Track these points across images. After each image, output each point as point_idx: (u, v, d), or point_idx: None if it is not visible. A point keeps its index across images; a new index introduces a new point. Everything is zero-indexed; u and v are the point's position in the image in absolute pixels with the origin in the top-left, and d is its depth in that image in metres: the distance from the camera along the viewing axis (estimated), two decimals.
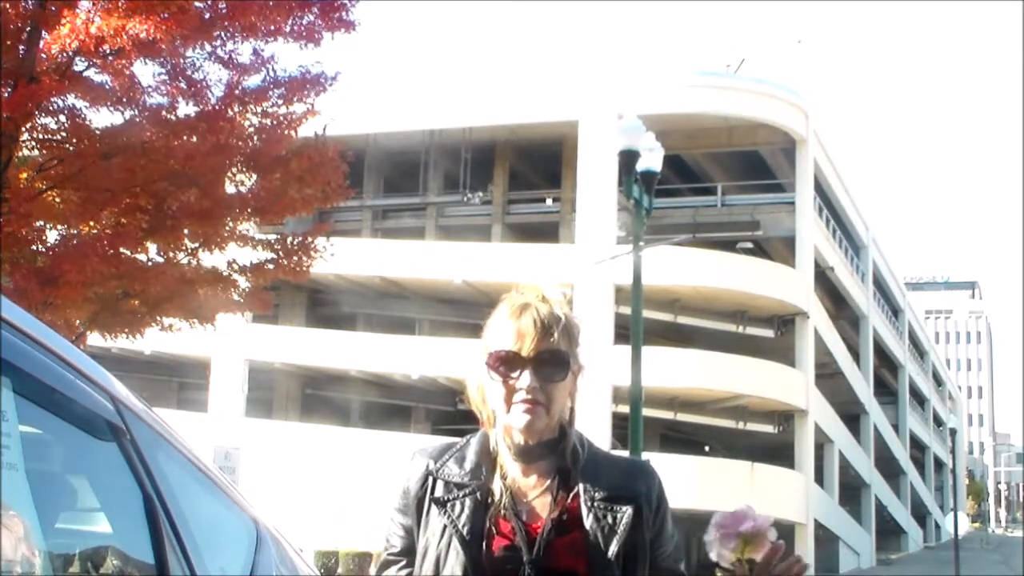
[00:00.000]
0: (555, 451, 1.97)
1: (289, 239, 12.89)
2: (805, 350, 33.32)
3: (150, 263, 12.19)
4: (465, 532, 1.90)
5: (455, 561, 1.89)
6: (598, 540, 1.89)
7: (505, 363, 1.93)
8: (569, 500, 1.93)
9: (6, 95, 10.12)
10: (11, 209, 10.43)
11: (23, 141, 11.04)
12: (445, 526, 1.93)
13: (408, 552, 2.01)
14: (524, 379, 1.91)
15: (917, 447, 60.33)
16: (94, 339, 12.91)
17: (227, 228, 12.17)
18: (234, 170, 12.12)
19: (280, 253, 12.76)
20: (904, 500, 54.57)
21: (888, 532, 51.47)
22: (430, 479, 1.99)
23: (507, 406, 1.93)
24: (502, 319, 1.96)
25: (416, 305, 36.38)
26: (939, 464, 67.17)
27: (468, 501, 1.94)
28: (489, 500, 1.94)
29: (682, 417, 33.22)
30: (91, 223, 11.73)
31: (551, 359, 1.92)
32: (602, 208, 31.97)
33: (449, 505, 1.94)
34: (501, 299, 2.01)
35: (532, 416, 1.91)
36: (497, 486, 1.95)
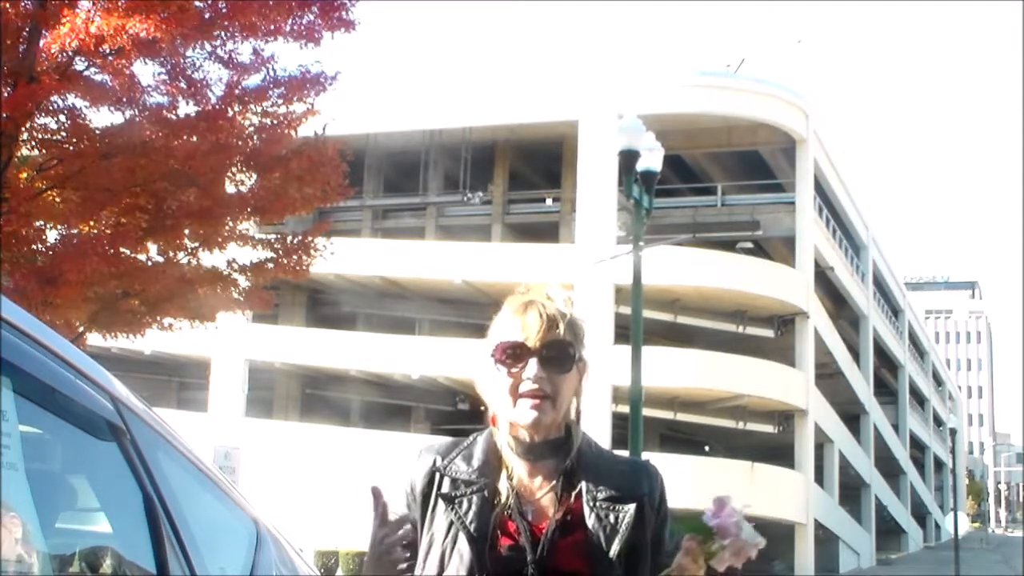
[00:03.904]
0: (561, 451, 1.97)
1: (289, 238, 12.89)
2: (805, 350, 33.31)
3: (150, 263, 12.18)
4: (472, 530, 1.90)
5: (460, 559, 1.89)
6: (600, 540, 1.89)
7: (511, 355, 1.94)
8: (573, 500, 1.93)
9: (6, 95, 10.11)
10: (11, 209, 10.42)
11: (23, 141, 11.03)
12: (452, 523, 1.92)
13: (410, 546, 2.01)
14: (530, 369, 1.92)
15: (917, 447, 60.32)
16: (94, 339, 12.90)
17: (227, 228, 12.16)
18: (234, 170, 12.10)
19: (280, 252, 12.75)
20: (904, 500, 54.56)
21: (888, 532, 51.46)
22: (437, 475, 1.99)
23: (513, 399, 1.94)
24: (508, 314, 1.98)
25: (416, 305, 36.37)
26: (939, 464, 67.16)
27: (475, 499, 1.94)
28: (495, 499, 1.94)
29: (682, 417, 33.22)
30: (91, 223, 11.72)
31: (557, 350, 1.94)
32: (602, 208, 31.97)
33: (456, 502, 1.94)
34: (505, 298, 2.03)
35: (539, 412, 1.92)
36: (503, 485, 1.95)
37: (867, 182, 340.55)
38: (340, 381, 36.34)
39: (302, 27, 11.34)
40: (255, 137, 11.85)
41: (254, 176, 12.32)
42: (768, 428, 34.23)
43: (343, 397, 37.00)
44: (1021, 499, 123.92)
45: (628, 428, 14.21)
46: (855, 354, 42.60)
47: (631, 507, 1.92)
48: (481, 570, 1.88)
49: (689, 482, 27.90)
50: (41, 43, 10.38)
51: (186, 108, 11.57)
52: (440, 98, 34.42)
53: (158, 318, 12.49)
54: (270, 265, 12.73)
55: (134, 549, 1.92)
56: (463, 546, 1.90)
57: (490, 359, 1.97)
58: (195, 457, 2.30)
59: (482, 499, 1.93)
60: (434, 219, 37.56)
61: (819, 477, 35.22)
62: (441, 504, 1.95)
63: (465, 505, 1.93)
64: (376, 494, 1.96)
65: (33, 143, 11.44)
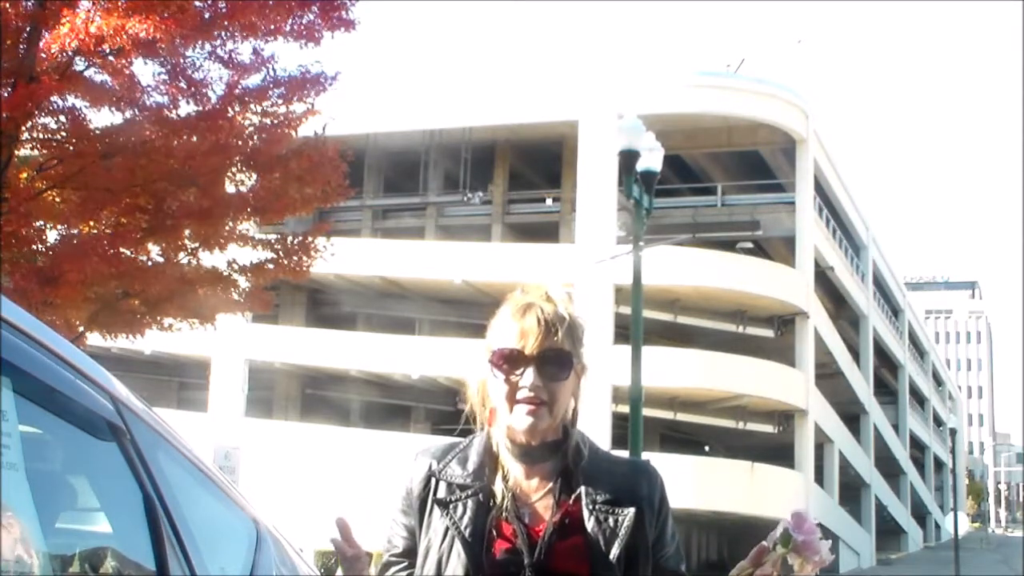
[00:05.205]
0: (557, 452, 1.96)
1: (289, 239, 12.88)
2: (805, 350, 33.31)
3: (150, 263, 12.17)
4: (467, 534, 1.89)
5: (457, 563, 1.88)
6: (600, 543, 1.87)
7: (508, 361, 1.91)
8: (571, 503, 1.91)
9: (6, 95, 10.11)
10: (11, 209, 10.42)
11: (23, 141, 11.03)
12: (447, 528, 1.91)
13: (410, 553, 2.00)
14: (527, 377, 1.90)
15: (917, 447, 60.32)
16: (94, 339, 12.90)
17: (227, 228, 12.15)
18: (234, 170, 12.10)
19: (280, 253, 12.74)
20: (904, 500, 54.55)
21: (888, 532, 51.45)
22: (433, 480, 1.98)
23: (510, 405, 1.92)
24: (506, 318, 1.95)
25: (416, 305, 36.37)
26: (939, 464, 67.16)
27: (471, 503, 1.92)
28: (491, 502, 1.92)
29: (682, 417, 33.21)
30: (91, 223, 11.72)
31: (554, 358, 1.91)
32: (602, 208, 31.97)
33: (452, 506, 1.93)
34: (505, 299, 2.00)
35: (535, 418, 1.90)
36: (499, 488, 1.94)
37: (867, 182, 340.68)
38: (340, 381, 36.34)
39: (302, 27, 11.34)
40: (255, 137, 11.84)
41: (254, 176, 12.31)
42: (768, 428, 34.23)
43: (343, 397, 36.99)
44: (1021, 499, 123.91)
45: (628, 428, 14.21)
46: (855, 354, 42.60)
47: (631, 510, 1.90)
48: (478, 574, 1.86)
49: (689, 482, 27.93)
50: (41, 43, 10.38)
51: (186, 108, 11.57)
52: (440, 98, 34.42)
53: (158, 318, 12.48)
54: (270, 265, 12.72)
55: (134, 549, 1.92)
56: (460, 551, 1.89)
57: (487, 364, 1.95)
58: (195, 457, 2.30)
59: (477, 503, 1.92)
60: (434, 219, 37.56)
61: (819, 477, 35.22)
62: (437, 509, 1.94)
63: (460, 509, 1.92)
64: (340, 527, 1.96)
65: (33, 143, 11.44)
